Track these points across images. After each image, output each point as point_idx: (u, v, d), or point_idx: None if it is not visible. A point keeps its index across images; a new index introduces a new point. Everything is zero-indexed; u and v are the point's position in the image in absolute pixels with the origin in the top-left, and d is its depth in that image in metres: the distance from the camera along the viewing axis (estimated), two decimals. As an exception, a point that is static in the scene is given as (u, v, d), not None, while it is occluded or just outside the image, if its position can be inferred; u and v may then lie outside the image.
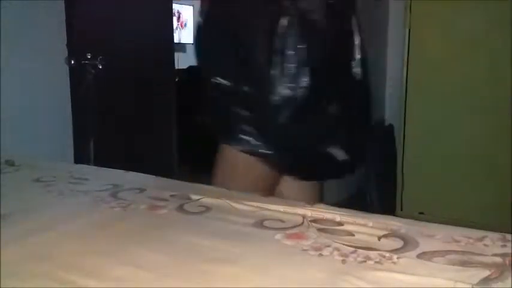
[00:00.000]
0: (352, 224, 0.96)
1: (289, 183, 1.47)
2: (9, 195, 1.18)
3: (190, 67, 4.00)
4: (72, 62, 2.06)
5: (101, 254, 0.85)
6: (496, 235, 0.88)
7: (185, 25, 5.44)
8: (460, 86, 2.61)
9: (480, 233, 0.90)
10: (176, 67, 3.28)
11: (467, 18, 2.55)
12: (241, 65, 1.37)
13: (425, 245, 0.85)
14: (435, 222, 0.97)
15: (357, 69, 1.46)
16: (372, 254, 0.82)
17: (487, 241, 0.86)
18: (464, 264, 0.78)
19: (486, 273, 0.74)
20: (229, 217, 1.01)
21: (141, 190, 1.21)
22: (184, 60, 3.99)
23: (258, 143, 1.34)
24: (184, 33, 5.35)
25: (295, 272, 0.78)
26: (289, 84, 1.29)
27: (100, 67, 2.08)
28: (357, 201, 2.91)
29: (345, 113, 1.39)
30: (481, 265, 0.77)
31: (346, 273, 0.75)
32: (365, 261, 0.80)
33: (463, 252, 0.82)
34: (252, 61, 1.36)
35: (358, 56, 1.46)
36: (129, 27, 2.32)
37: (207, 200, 1.12)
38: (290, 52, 1.30)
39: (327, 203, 1.09)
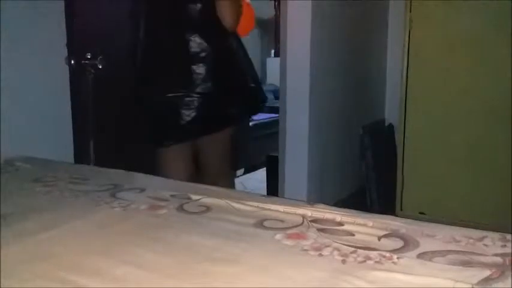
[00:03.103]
0: (352, 224, 0.96)
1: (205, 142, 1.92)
2: (9, 195, 1.18)
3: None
4: (72, 62, 2.05)
5: (101, 254, 0.85)
6: (496, 235, 0.88)
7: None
8: (460, 86, 2.60)
9: (480, 233, 0.90)
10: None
11: (467, 18, 2.55)
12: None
13: (425, 245, 0.85)
14: (435, 222, 0.97)
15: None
16: (372, 254, 0.82)
17: (487, 241, 0.86)
18: (464, 264, 0.78)
19: (486, 273, 0.74)
20: (230, 217, 1.01)
21: (141, 190, 1.21)
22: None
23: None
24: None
25: (295, 271, 0.78)
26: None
27: (100, 67, 2.08)
28: (357, 201, 2.91)
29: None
30: (481, 265, 0.77)
31: (346, 273, 0.75)
32: (365, 261, 0.80)
33: (464, 252, 0.82)
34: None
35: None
36: (129, 27, 2.32)
37: (207, 200, 1.12)
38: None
39: (327, 203, 1.09)
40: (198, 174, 1.94)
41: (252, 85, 1.94)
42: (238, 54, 1.91)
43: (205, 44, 1.79)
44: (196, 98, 1.78)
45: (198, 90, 1.77)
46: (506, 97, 2.46)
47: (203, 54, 1.79)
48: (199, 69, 1.78)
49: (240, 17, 1.88)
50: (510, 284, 0.72)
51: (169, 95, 1.79)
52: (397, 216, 1.09)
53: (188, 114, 1.78)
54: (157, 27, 1.85)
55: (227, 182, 1.97)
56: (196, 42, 1.78)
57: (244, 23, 1.96)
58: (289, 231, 0.93)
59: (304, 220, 0.98)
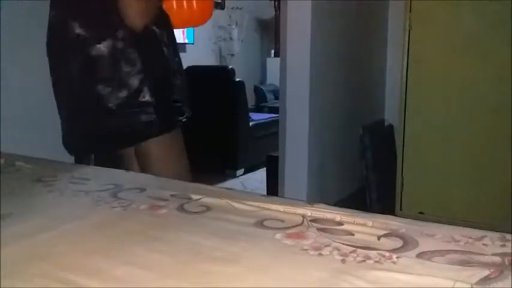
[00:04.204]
0: (352, 223, 0.96)
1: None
2: (9, 195, 1.18)
3: (189, 67, 4.00)
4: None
5: (101, 254, 0.85)
6: (495, 235, 0.88)
7: (185, 25, 5.43)
8: (460, 86, 2.61)
9: (480, 232, 0.90)
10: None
11: (467, 18, 2.55)
12: None
13: (425, 245, 0.85)
14: (435, 222, 0.97)
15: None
16: (371, 253, 0.82)
17: (487, 241, 0.86)
18: (463, 263, 0.78)
19: (486, 272, 0.74)
20: (230, 217, 1.01)
21: (142, 190, 1.22)
22: (184, 61, 3.98)
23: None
24: (185, 33, 5.35)
25: (295, 271, 0.78)
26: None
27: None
28: (357, 201, 2.92)
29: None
30: (481, 265, 0.77)
31: (346, 273, 0.75)
32: (365, 261, 0.80)
33: (463, 252, 0.82)
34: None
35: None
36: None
37: (207, 200, 1.12)
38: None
39: (327, 203, 1.09)
40: None
41: (176, 97, 1.74)
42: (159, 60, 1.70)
43: (116, 55, 1.54)
44: (104, 115, 1.58)
45: (108, 105, 1.56)
46: (506, 97, 2.47)
47: (110, 68, 1.55)
48: (107, 85, 1.56)
49: (152, 12, 1.58)
50: (509, 283, 0.72)
51: (85, 109, 1.62)
52: (396, 216, 1.09)
53: (98, 131, 1.63)
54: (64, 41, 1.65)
55: None
56: (105, 54, 1.54)
57: (199, 13, 1.93)
58: (289, 231, 0.93)
59: (304, 220, 0.98)
